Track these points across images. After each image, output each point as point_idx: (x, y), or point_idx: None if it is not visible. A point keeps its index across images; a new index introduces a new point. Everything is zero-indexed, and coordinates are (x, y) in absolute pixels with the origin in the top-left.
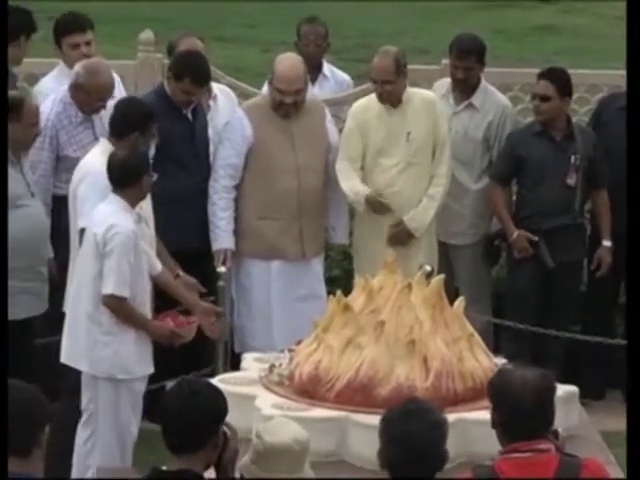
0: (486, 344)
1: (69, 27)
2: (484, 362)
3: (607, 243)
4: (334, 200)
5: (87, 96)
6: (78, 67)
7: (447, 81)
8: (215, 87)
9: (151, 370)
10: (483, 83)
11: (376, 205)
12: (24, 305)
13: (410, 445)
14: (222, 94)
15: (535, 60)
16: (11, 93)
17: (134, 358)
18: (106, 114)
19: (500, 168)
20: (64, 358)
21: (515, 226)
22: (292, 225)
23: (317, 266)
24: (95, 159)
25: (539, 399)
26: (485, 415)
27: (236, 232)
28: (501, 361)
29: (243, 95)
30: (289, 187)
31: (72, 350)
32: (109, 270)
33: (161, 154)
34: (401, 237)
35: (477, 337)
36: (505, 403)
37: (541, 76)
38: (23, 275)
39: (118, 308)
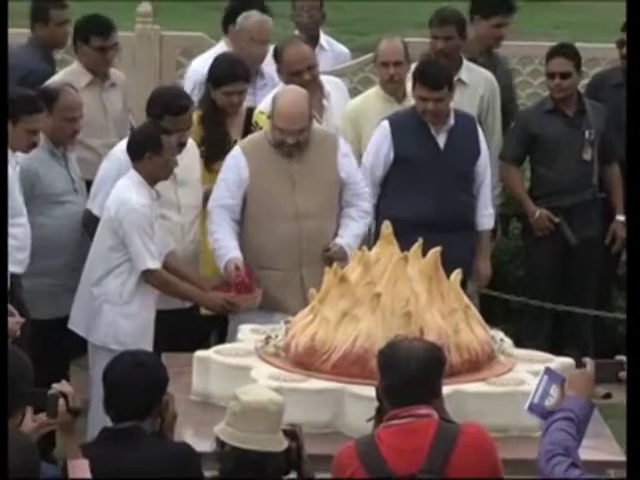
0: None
1: None
2: (480, 334)
3: (621, 217)
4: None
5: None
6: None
7: None
8: (325, 82)
9: (149, 347)
10: (464, 60)
11: None
12: (67, 303)
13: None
14: (333, 88)
15: (534, 33)
16: (50, 83)
17: (130, 331)
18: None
19: (514, 148)
20: (70, 322)
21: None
22: (293, 275)
23: None
24: None
25: (421, 367)
26: (482, 387)
27: None
28: (497, 333)
29: None
30: (288, 234)
31: (76, 315)
32: (136, 249)
33: None
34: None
35: (473, 309)
36: (390, 371)
37: (556, 54)
38: (65, 273)
39: (159, 280)
